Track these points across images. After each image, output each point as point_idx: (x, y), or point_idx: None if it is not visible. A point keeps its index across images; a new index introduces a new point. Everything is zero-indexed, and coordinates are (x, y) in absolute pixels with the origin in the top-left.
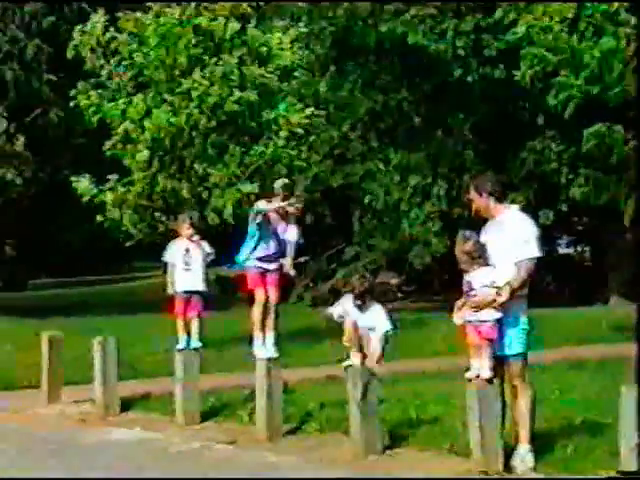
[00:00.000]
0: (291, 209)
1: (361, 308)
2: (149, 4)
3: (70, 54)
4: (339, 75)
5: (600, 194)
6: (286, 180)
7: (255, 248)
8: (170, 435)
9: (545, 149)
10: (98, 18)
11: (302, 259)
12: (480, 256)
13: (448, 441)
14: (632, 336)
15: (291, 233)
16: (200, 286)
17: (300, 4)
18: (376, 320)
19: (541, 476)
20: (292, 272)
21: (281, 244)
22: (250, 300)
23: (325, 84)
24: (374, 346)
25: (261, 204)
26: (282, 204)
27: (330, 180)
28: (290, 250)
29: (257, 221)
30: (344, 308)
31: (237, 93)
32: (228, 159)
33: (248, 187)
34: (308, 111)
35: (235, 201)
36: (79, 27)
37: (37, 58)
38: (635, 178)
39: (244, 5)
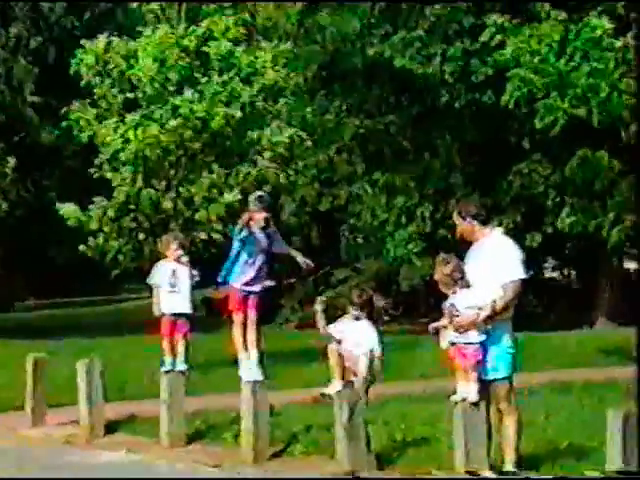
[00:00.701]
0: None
1: (357, 319)
2: (140, 28)
3: (73, 70)
4: (327, 98)
5: (586, 222)
6: (259, 192)
7: (242, 272)
8: (155, 458)
9: (532, 172)
10: (103, 38)
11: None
12: (462, 278)
13: (435, 464)
14: (619, 359)
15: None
16: (187, 308)
17: (288, 28)
18: (364, 335)
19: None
20: (308, 261)
21: (268, 260)
22: (230, 321)
23: (312, 108)
24: (361, 368)
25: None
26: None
27: (318, 204)
28: (291, 250)
29: (241, 236)
30: (339, 329)
31: (222, 109)
32: (215, 180)
33: (229, 197)
34: (290, 131)
35: (219, 214)
36: (84, 42)
37: (24, 79)
38: (635, 204)
39: (240, 29)
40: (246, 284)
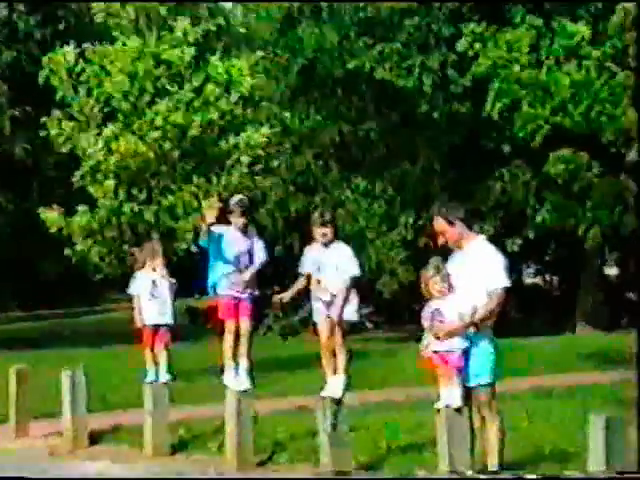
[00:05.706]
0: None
1: (327, 245)
2: (115, 34)
3: (42, 81)
4: (307, 105)
5: (563, 219)
6: (239, 195)
7: (227, 278)
8: (139, 467)
9: (512, 178)
10: (70, 49)
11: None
12: (448, 284)
13: (418, 471)
14: (600, 364)
15: (258, 249)
16: (168, 319)
17: (267, 36)
18: (341, 259)
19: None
20: (247, 276)
21: (253, 262)
22: (221, 330)
23: (292, 113)
24: (339, 294)
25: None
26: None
27: (290, 205)
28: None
29: (203, 240)
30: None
31: (198, 117)
32: (194, 190)
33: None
34: (265, 130)
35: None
36: (48, 55)
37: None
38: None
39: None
40: (234, 290)
